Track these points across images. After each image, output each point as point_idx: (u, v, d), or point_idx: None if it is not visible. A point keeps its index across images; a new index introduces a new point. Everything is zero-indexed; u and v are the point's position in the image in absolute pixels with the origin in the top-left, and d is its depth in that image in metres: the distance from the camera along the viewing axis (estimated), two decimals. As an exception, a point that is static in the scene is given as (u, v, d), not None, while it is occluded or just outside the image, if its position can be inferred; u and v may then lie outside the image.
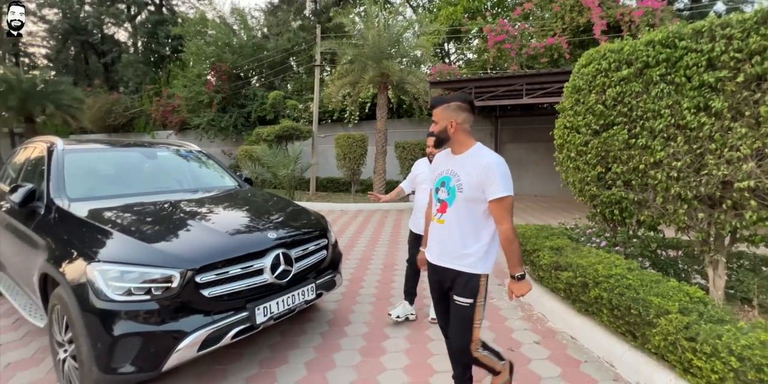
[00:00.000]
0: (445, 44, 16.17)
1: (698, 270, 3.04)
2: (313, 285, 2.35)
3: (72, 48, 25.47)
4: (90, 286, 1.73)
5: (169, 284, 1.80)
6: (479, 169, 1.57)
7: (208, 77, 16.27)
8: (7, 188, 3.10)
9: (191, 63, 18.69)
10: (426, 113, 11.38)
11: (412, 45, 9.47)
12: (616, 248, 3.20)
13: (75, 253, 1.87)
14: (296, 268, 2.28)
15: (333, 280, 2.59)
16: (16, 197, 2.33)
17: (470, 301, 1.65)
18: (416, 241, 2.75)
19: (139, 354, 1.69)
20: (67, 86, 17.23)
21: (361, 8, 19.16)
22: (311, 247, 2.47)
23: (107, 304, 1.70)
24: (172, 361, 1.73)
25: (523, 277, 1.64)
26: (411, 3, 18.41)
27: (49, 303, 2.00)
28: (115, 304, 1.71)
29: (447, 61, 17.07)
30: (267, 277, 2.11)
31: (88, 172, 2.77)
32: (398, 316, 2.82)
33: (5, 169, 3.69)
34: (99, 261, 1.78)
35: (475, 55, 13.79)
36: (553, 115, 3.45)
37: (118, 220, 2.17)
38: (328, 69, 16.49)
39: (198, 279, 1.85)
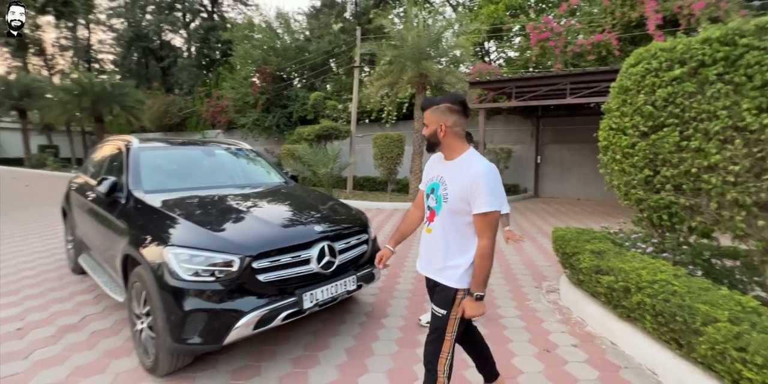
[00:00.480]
0: (486, 43, 15.89)
1: (759, 282, 2.85)
2: (354, 277, 2.51)
3: (135, 54, 27.75)
4: (165, 266, 1.99)
5: (230, 268, 2.02)
6: (466, 179, 1.47)
7: (254, 79, 17.12)
8: (90, 180, 3.55)
9: (238, 66, 19.78)
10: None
11: (451, 45, 9.44)
12: (664, 255, 3.07)
13: (153, 238, 2.15)
14: (339, 259, 2.44)
15: (372, 273, 2.72)
16: (103, 188, 2.69)
17: (444, 311, 1.58)
18: None
19: (204, 328, 1.92)
20: (131, 89, 18.85)
21: (401, 9, 19.30)
22: (353, 241, 2.63)
23: (179, 283, 1.95)
24: (232, 336, 1.95)
25: (481, 298, 1.52)
26: (451, 2, 18.25)
27: (129, 280, 2.30)
28: (186, 283, 1.95)
29: (487, 60, 16.76)
30: (313, 266, 2.29)
31: (158, 167, 3.11)
32: (428, 322, 2.86)
33: (86, 164, 4.21)
34: (173, 245, 2.04)
35: (517, 54, 13.45)
36: (600, 116, 3.37)
37: (186, 210, 2.45)
38: (367, 70, 16.78)
39: (254, 265, 2.06)
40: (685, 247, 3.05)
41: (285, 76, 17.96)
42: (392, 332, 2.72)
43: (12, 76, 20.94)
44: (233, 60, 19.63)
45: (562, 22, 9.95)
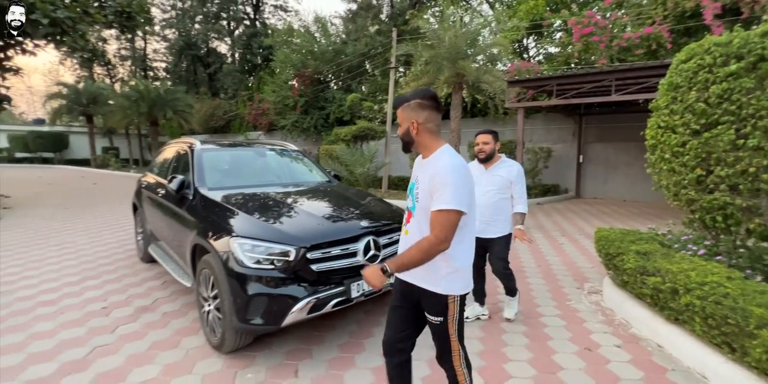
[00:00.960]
0: (524, 40, 15.49)
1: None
2: (397, 270, 2.64)
3: (184, 61, 29.69)
4: (232, 255, 2.23)
5: (287, 258, 2.23)
6: (432, 173, 1.38)
7: (293, 83, 17.80)
8: (158, 179, 3.95)
9: (278, 70, 20.65)
10: (502, 112, 11.12)
11: (488, 43, 9.35)
12: (718, 258, 2.94)
13: (220, 229, 2.41)
14: (383, 253, 2.59)
15: (413, 267, 2.85)
16: (173, 185, 3.02)
17: (440, 319, 1.51)
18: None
19: (265, 310, 2.14)
20: (182, 94, 20.24)
21: (437, 9, 19.23)
22: (395, 236, 2.76)
23: (244, 270, 2.18)
24: (289, 319, 2.15)
25: (391, 275, 1.41)
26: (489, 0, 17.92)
27: (198, 267, 2.58)
28: (249, 269, 2.18)
29: (525, 56, 16.33)
30: (360, 258, 2.45)
31: (218, 167, 3.43)
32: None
33: (153, 164, 4.67)
34: (237, 236, 2.28)
35: (557, 49, 13.01)
36: (649, 113, 3.27)
37: (246, 205, 2.71)
38: (402, 70, 16.91)
39: (308, 255, 2.26)
40: (741, 250, 2.91)
41: (322, 78, 18.51)
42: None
43: (81, 85, 23.18)
44: (274, 64, 20.50)
45: (608, 16, 9.53)
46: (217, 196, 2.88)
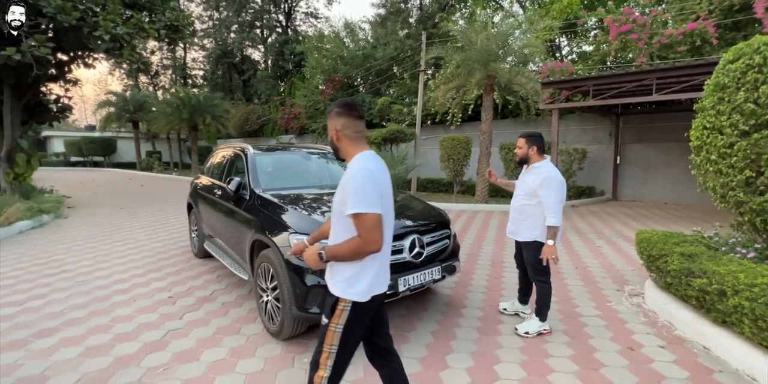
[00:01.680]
0: (557, 39, 15.17)
1: None
2: (439, 267, 2.79)
3: (220, 69, 31.19)
4: (290, 249, 2.45)
5: (341, 253, 2.42)
6: (344, 179, 1.41)
7: (324, 87, 18.31)
8: (213, 180, 4.29)
9: (308, 75, 21.30)
10: (534, 113, 10.98)
11: (521, 44, 9.29)
12: (769, 261, 2.87)
13: (279, 227, 2.65)
14: (427, 251, 2.74)
15: (454, 265, 2.98)
16: (232, 186, 3.31)
17: (325, 321, 1.47)
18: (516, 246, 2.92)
19: (322, 300, 2.34)
20: (219, 100, 21.26)
21: (467, 11, 19.19)
22: (437, 235, 2.91)
23: (302, 263, 2.40)
24: (343, 309, 2.34)
25: (326, 261, 1.46)
26: (520, 0, 17.69)
27: (256, 261, 2.84)
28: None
29: (558, 55, 15.99)
30: (405, 255, 2.62)
31: (270, 169, 3.70)
32: (505, 309, 3.05)
33: (206, 167, 5.02)
34: (295, 232, 2.51)
35: (592, 47, 12.67)
36: (693, 112, 3.23)
37: (300, 204, 2.94)
38: (430, 73, 17.00)
39: (360, 251, 2.44)
40: (796, 254, 2.83)
41: (352, 82, 18.93)
42: (472, 321, 2.95)
43: (128, 94, 24.87)
44: (305, 70, 21.19)
45: (647, 12, 9.23)
46: (272, 196, 3.14)
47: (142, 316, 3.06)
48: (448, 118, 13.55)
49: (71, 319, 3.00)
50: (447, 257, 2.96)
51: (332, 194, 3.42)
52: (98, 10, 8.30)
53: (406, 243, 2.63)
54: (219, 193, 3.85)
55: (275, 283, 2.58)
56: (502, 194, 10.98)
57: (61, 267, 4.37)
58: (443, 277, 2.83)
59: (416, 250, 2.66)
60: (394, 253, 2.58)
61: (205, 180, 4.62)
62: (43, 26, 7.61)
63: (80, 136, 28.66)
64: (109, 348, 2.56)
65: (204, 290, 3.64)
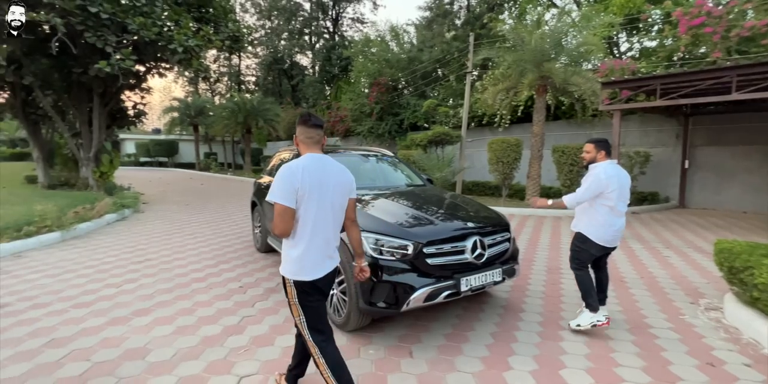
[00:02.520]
0: (615, 35, 14.30)
1: None
2: (500, 270, 2.80)
3: (271, 75, 32.90)
4: (359, 246, 2.60)
5: (406, 251, 2.54)
6: None
7: (371, 91, 18.68)
8: (270, 180, 4.60)
9: (354, 79, 21.83)
10: (590, 114, 10.46)
11: (578, 43, 8.91)
12: None
13: (346, 225, 2.81)
14: (488, 253, 2.77)
15: (513, 268, 2.98)
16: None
17: (286, 298, 1.83)
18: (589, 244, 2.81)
19: (388, 295, 2.47)
20: (271, 105, 22.44)
21: (516, 10, 18.67)
22: (498, 237, 2.93)
23: (370, 260, 2.53)
24: (408, 305, 2.45)
25: None
26: (575, -4, 16.92)
27: (323, 257, 3.02)
28: (375, 259, 2.53)
29: (615, 53, 15.06)
30: (467, 256, 2.67)
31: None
32: (577, 325, 2.78)
33: (268, 168, 5.37)
34: (363, 230, 2.65)
35: (656, 42, 11.80)
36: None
37: (364, 204, 3.10)
38: (476, 74, 16.75)
39: (425, 250, 2.54)
40: None
41: (398, 85, 19.14)
42: (532, 325, 2.92)
43: (189, 100, 27.00)
44: (351, 74, 21.76)
45: (724, 3, 8.46)
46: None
47: (219, 302, 3.37)
48: (495, 120, 13.31)
49: (161, 302, 3.38)
50: (507, 260, 2.96)
51: (399, 194, 3.60)
52: (172, 25, 9.19)
53: (468, 244, 2.68)
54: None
55: (340, 277, 2.74)
56: (553, 198, 10.57)
57: (145, 256, 4.90)
58: (503, 279, 2.84)
59: (478, 251, 2.70)
60: (456, 253, 2.65)
61: (268, 180, 4.96)
62: (125, 41, 8.57)
63: (148, 138, 31.57)
64: (195, 328, 2.87)
65: (270, 282, 3.92)
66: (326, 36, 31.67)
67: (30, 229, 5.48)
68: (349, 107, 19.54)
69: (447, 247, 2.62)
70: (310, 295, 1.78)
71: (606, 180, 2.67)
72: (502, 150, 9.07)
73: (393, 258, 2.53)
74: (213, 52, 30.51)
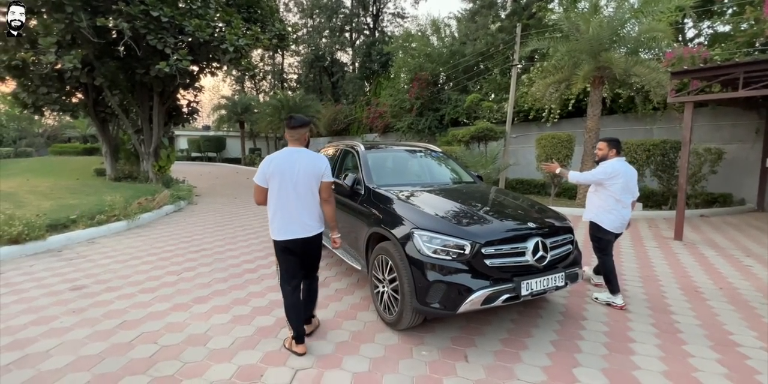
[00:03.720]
0: (681, 20, 13.03)
1: None
2: (563, 274, 2.62)
3: (312, 72, 33.60)
4: (413, 244, 2.54)
5: (463, 251, 2.43)
6: None
7: (411, 86, 18.49)
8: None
9: (393, 75, 21.70)
10: (650, 108, 9.63)
11: (641, 30, 8.18)
12: None
13: (400, 221, 2.75)
14: (550, 255, 2.60)
15: (576, 273, 2.78)
16: (348, 182, 3.54)
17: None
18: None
19: (444, 296, 2.38)
20: (312, 102, 22.95)
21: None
22: (560, 240, 2.74)
23: (425, 258, 2.46)
24: (464, 307, 2.35)
25: None
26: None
27: (373, 253, 2.99)
28: (429, 258, 2.45)
29: (681, 40, 13.71)
30: (528, 258, 2.51)
31: (380, 166, 3.88)
32: (596, 298, 3.31)
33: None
34: (418, 228, 2.58)
35: (730, 27, 10.58)
36: None
37: (417, 201, 3.02)
38: (521, 67, 15.99)
39: (483, 251, 2.42)
40: None
41: (439, 80, 18.79)
42: (597, 335, 2.71)
43: (236, 98, 28.27)
44: (391, 70, 21.66)
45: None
46: (386, 192, 3.28)
47: (271, 293, 3.46)
48: (543, 114, 12.65)
49: (217, 291, 3.53)
50: (570, 264, 2.76)
51: (450, 191, 3.49)
52: (224, 26, 9.59)
53: (529, 245, 2.53)
54: (333, 188, 4.13)
55: (393, 275, 2.68)
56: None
57: (201, 246, 5.17)
58: (566, 284, 2.65)
59: (539, 253, 2.54)
60: (516, 255, 2.51)
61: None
62: (182, 43, 9.08)
63: (199, 135, 33.53)
64: (250, 319, 2.96)
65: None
66: (366, 32, 31.75)
67: (101, 218, 5.98)
68: (389, 103, 19.46)
69: (506, 248, 2.48)
70: (283, 253, 2.43)
71: (611, 172, 3.18)
72: (552, 146, 8.59)
73: (449, 258, 2.44)
74: (259, 51, 31.81)
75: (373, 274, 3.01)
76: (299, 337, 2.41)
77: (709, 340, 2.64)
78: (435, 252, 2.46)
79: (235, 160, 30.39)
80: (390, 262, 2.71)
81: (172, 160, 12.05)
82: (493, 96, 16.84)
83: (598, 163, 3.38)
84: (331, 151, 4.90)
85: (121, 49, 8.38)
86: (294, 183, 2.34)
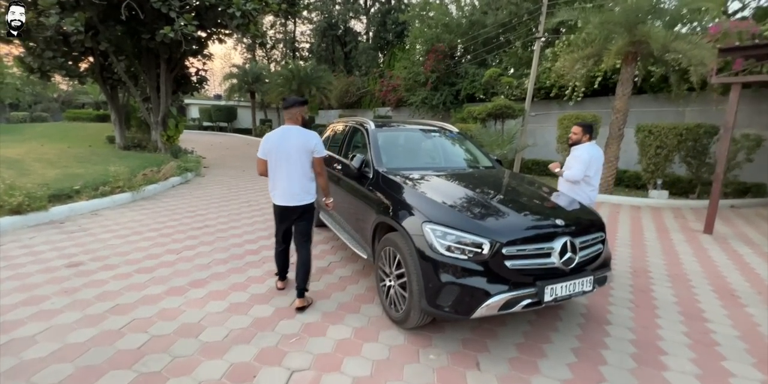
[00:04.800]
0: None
1: None
2: (592, 277, 2.34)
3: (325, 42, 32.26)
4: (424, 239, 2.27)
5: (481, 250, 2.16)
6: None
7: (426, 59, 17.55)
8: (329, 154, 4.34)
9: (408, 46, 20.61)
10: (684, 88, 8.88)
11: (685, 1, 7.34)
12: None
13: (410, 212, 2.47)
14: (579, 256, 2.32)
15: (606, 276, 2.50)
16: (355, 163, 3.24)
17: None
18: None
19: (457, 299, 2.14)
20: (324, 72, 22.13)
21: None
22: (590, 239, 2.44)
23: (437, 256, 2.20)
24: (479, 312, 2.11)
25: None
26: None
27: (380, 244, 2.74)
28: (442, 256, 2.19)
29: (726, 13, 12.46)
30: (554, 260, 2.23)
31: (391, 147, 3.55)
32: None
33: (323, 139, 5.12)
34: (430, 221, 2.30)
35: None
36: None
37: (430, 189, 2.72)
38: (544, 41, 14.92)
39: (504, 251, 2.15)
40: None
41: (456, 53, 17.78)
42: (623, 344, 2.47)
43: (247, 67, 27.46)
44: (408, 40, 20.55)
45: None
46: (396, 177, 2.99)
47: (271, 280, 3.28)
48: (566, 92, 11.89)
49: (216, 274, 3.37)
50: (600, 266, 2.48)
51: (468, 178, 3.12)
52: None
53: (556, 246, 2.24)
54: (338, 167, 3.85)
55: (401, 270, 2.45)
56: (627, 183, 9.42)
57: (204, 222, 5.02)
58: (593, 288, 2.38)
59: (567, 255, 2.25)
60: (541, 256, 2.23)
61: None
62: (188, 7, 8.54)
63: (210, 104, 33.06)
64: (247, 307, 2.79)
65: (322, 261, 3.79)
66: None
67: (105, 189, 5.85)
68: (403, 76, 18.60)
69: (530, 248, 2.20)
70: (277, 216, 2.85)
71: (589, 159, 3.38)
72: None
73: (464, 257, 2.17)
74: (270, 18, 30.50)
75: (379, 266, 2.79)
76: (281, 274, 3.10)
77: (752, 356, 2.38)
78: (449, 249, 2.20)
79: (246, 131, 30.05)
80: (398, 256, 2.47)
81: (181, 129, 11.81)
82: (512, 71, 15.91)
83: (570, 146, 3.60)
84: (340, 127, 4.57)
85: (123, 12, 7.90)
86: (286, 158, 2.65)
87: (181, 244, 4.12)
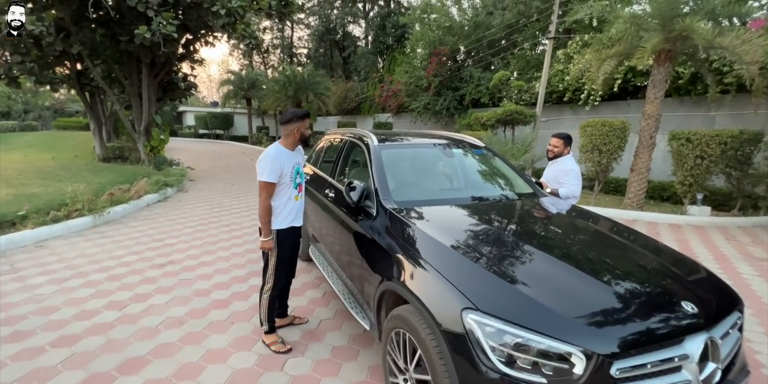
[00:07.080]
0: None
1: None
2: (735, 390, 1.43)
3: (323, 46, 31.61)
4: (468, 339, 1.36)
5: (568, 366, 1.25)
6: None
7: (428, 62, 16.78)
8: (319, 173, 3.45)
9: (408, 50, 19.87)
10: (718, 90, 8.02)
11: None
12: None
13: (439, 286, 1.57)
14: (722, 362, 1.40)
15: (747, 370, 1.58)
16: (354, 196, 2.33)
17: None
18: None
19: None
20: (321, 78, 21.37)
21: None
22: (730, 328, 1.53)
23: (490, 372, 1.29)
24: None
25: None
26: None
27: (388, 321, 1.84)
28: (500, 374, 1.28)
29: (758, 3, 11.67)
30: (690, 377, 1.31)
31: (402, 172, 2.66)
32: None
33: (313, 154, 4.22)
34: (477, 309, 1.39)
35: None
36: None
37: (467, 242, 1.80)
38: (556, 39, 14.11)
39: (613, 370, 1.23)
40: None
41: (460, 56, 17.02)
42: None
43: (243, 72, 26.74)
44: (408, 43, 19.82)
45: None
46: (411, 218, 2.09)
47: (239, 353, 2.37)
48: (581, 96, 11.07)
49: (161, 346, 2.46)
50: (738, 370, 1.56)
51: (518, 218, 2.13)
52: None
53: (693, 351, 1.32)
54: (331, 195, 2.96)
55: (425, 375, 1.54)
56: (656, 196, 8.52)
57: (170, 256, 4.12)
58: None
59: (709, 366, 1.34)
60: (666, 372, 1.31)
61: (310, 170, 3.82)
62: (167, 4, 7.74)
63: (206, 111, 32.33)
64: (193, 415, 1.88)
65: (307, 313, 2.87)
66: (381, 2, 29.40)
67: (58, 215, 4.95)
68: (404, 80, 17.82)
69: (651, 358, 1.29)
70: (287, 244, 2.45)
71: (579, 170, 3.24)
72: (601, 135, 7.17)
73: (541, 380, 1.26)
74: (266, 23, 29.84)
75: (388, 352, 1.88)
76: (280, 317, 2.67)
77: None
78: (510, 361, 1.29)
79: (243, 138, 29.25)
80: (418, 351, 1.57)
81: (166, 140, 10.96)
82: (515, 74, 15.10)
83: (550, 160, 3.39)
84: (333, 141, 3.69)
85: (91, 10, 7.08)
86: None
87: (131, 293, 3.21)
